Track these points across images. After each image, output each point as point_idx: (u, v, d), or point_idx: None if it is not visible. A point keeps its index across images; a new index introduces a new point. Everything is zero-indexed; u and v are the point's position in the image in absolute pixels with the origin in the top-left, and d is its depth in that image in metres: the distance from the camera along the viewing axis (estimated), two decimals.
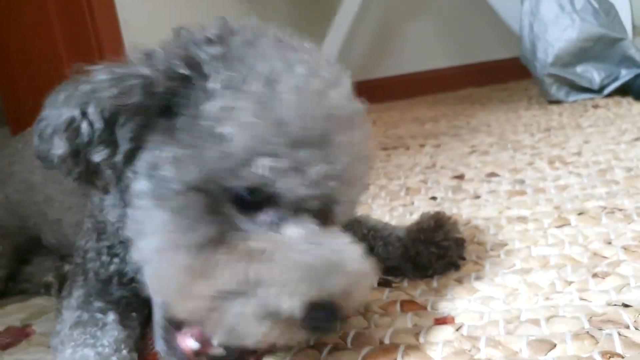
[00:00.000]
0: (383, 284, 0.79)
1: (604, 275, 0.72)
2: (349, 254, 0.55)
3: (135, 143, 0.56)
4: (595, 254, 0.78)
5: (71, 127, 0.55)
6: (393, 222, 0.99)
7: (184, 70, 0.55)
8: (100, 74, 0.57)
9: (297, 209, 0.54)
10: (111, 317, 0.69)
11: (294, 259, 0.52)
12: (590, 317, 0.63)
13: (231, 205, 0.54)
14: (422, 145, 1.63)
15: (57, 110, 0.56)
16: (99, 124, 0.55)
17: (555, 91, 1.88)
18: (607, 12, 1.87)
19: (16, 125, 1.67)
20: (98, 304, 0.71)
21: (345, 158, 0.55)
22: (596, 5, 1.84)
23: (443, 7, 2.66)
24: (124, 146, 0.56)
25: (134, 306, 0.73)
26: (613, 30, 1.84)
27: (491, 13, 2.23)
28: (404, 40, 2.74)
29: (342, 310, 0.52)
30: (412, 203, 1.14)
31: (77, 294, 0.72)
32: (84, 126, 0.55)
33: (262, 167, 0.51)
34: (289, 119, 0.52)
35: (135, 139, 0.56)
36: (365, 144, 0.59)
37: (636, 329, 0.60)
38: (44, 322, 0.85)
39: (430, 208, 1.05)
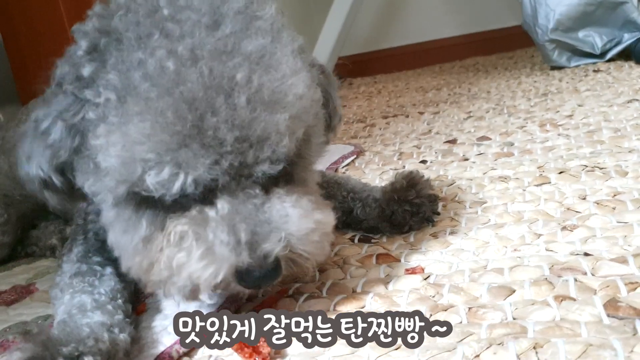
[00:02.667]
0: (363, 240, 0.83)
1: (573, 228, 0.75)
2: (281, 215, 0.57)
3: None
4: (568, 209, 0.81)
5: (48, 185, 0.63)
6: (382, 185, 1.02)
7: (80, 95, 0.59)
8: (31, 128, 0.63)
9: (212, 190, 0.57)
10: (109, 270, 0.73)
11: (205, 240, 0.56)
12: (552, 266, 0.66)
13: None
14: (421, 113, 1.66)
15: (29, 170, 0.64)
16: (58, 180, 0.63)
17: (557, 57, 1.88)
18: None
19: (27, 101, 1.72)
20: (96, 258, 0.75)
21: (233, 132, 0.54)
22: None
23: None
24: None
25: None
26: None
27: None
28: (411, 10, 2.74)
29: (267, 266, 0.55)
30: (404, 167, 1.17)
31: (77, 250, 0.77)
32: (56, 181, 0.63)
33: (151, 184, 0.54)
34: (149, 130, 0.53)
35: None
36: (264, 94, 0.55)
37: (593, 275, 0.63)
38: (47, 280, 0.90)
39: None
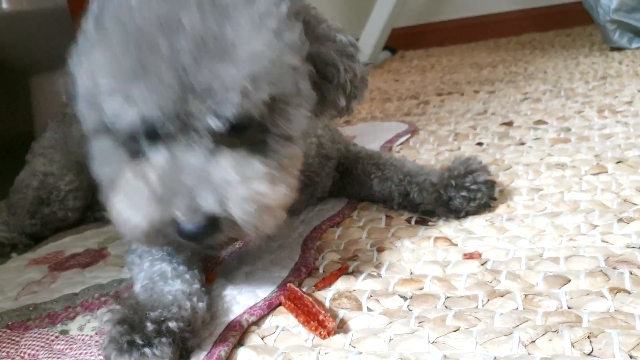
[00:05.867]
0: (420, 222, 0.85)
1: (629, 220, 0.76)
2: (219, 176, 0.57)
3: None
4: (625, 200, 0.82)
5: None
6: (438, 167, 1.04)
7: None
8: None
9: (156, 135, 0.58)
10: None
11: (137, 187, 0.58)
12: (607, 258, 0.68)
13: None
14: (476, 92, 1.65)
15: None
16: None
17: (618, 38, 1.84)
18: None
19: None
20: None
21: (176, 76, 0.55)
22: None
23: None
24: None
25: None
26: None
27: None
28: None
29: (199, 222, 0.55)
30: (459, 148, 1.19)
31: None
32: None
33: (106, 109, 0.57)
34: (105, 58, 0.56)
35: None
36: (209, 42, 0.55)
37: None
38: (117, 246, 0.96)
39: (476, 154, 1.10)
